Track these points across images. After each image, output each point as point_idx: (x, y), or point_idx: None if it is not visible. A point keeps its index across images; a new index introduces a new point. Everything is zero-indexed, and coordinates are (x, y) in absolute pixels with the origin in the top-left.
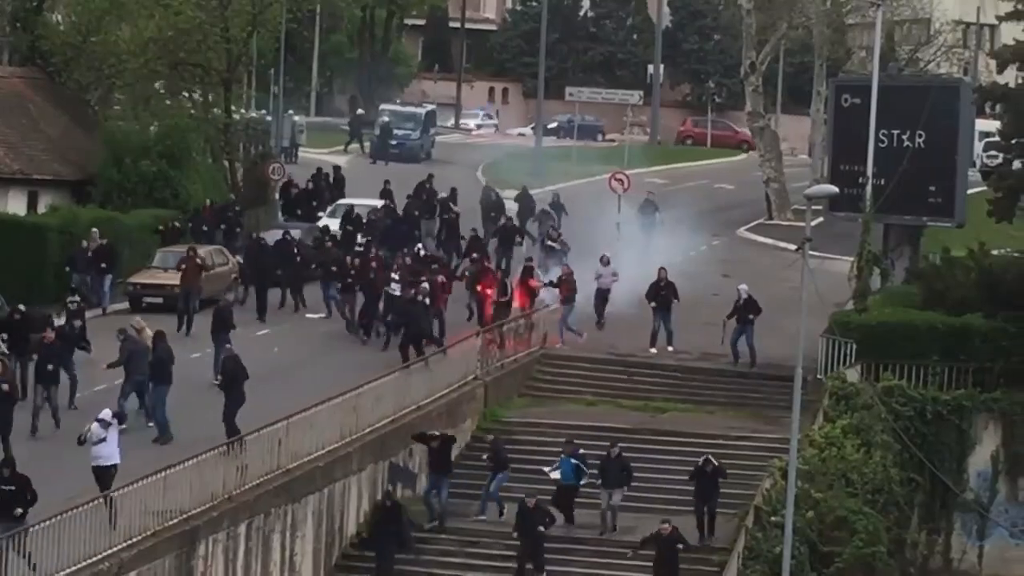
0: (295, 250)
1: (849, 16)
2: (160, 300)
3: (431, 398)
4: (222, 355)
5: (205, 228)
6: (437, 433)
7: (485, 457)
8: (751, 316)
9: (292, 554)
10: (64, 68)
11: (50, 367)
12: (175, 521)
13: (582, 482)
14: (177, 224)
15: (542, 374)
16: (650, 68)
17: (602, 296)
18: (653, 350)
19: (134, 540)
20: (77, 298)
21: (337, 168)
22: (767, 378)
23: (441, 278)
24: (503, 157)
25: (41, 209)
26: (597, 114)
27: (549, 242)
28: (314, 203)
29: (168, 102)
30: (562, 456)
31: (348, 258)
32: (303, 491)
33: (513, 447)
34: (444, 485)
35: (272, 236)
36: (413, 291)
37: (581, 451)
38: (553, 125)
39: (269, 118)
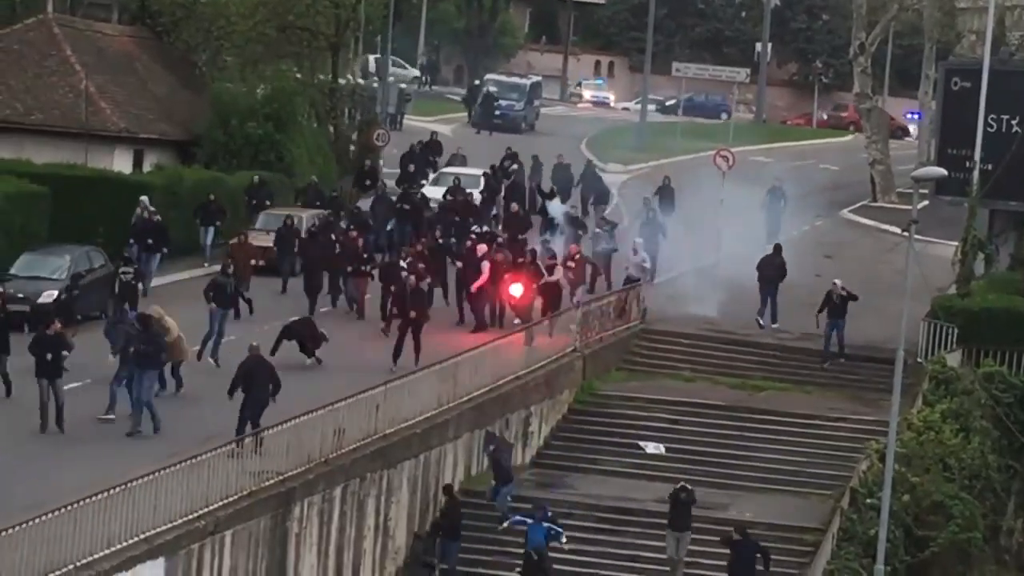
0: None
1: (961, 0)
2: (262, 263)
3: (529, 369)
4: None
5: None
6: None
7: (485, 468)
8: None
9: (387, 519)
10: (173, 28)
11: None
12: (271, 482)
13: (562, 541)
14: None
15: (640, 348)
16: (758, 46)
17: (628, 282)
18: (761, 321)
19: (230, 499)
20: (131, 269)
21: (433, 135)
22: (867, 360)
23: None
24: (607, 131)
25: (146, 168)
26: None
27: (598, 229)
28: (410, 168)
29: (283, 67)
30: (530, 522)
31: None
32: (399, 457)
33: (610, 420)
34: (452, 552)
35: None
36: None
37: (551, 513)
38: (671, 102)
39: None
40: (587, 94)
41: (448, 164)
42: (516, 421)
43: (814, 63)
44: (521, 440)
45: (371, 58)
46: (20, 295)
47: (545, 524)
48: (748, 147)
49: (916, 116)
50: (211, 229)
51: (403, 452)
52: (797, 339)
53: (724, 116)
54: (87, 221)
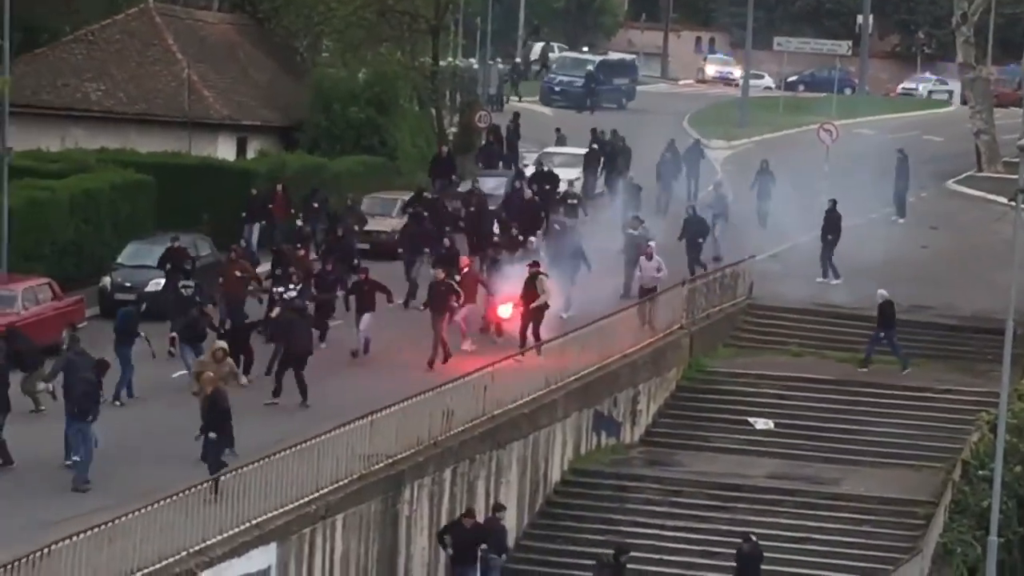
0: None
1: None
2: (367, 246)
3: (637, 347)
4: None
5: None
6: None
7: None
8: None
9: (497, 500)
10: (273, 15)
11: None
12: (381, 465)
13: None
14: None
15: (748, 324)
16: (859, 18)
17: (644, 293)
18: (823, 280)
19: (341, 483)
20: (192, 283)
21: (516, 116)
22: (975, 331)
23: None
24: (710, 107)
25: (250, 155)
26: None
27: (630, 229)
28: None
29: (382, 51)
30: None
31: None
32: (508, 438)
33: (718, 397)
34: None
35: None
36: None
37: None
38: (793, 78)
39: (476, 66)
40: (711, 70)
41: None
42: (624, 399)
43: (916, 34)
44: (629, 418)
45: (536, 45)
46: (127, 284)
47: None
48: (851, 120)
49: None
50: (256, 226)
51: (512, 433)
52: (905, 311)
53: (848, 91)
54: (192, 209)
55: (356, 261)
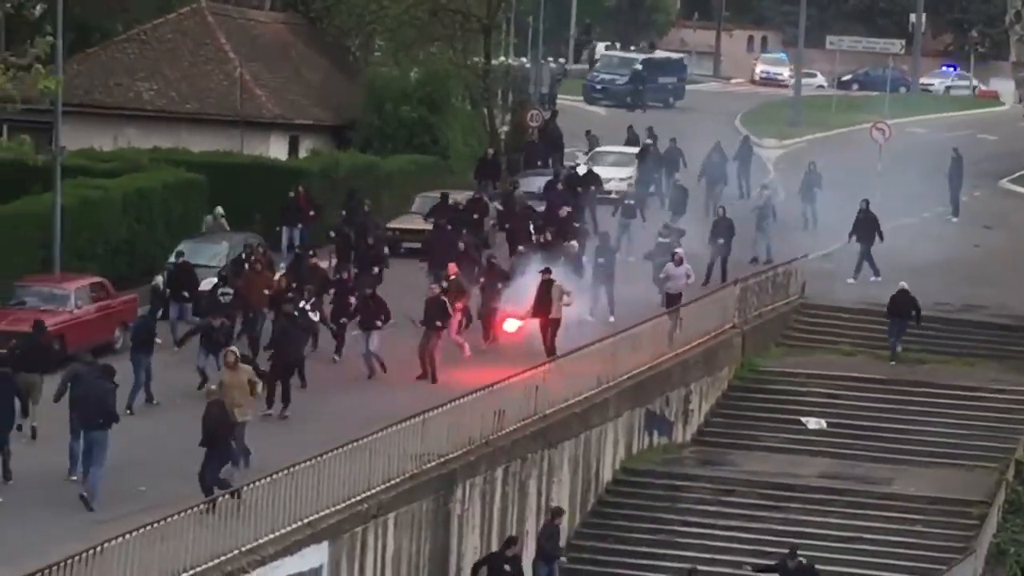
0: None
1: None
2: (419, 245)
3: (688, 346)
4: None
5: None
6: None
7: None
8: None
9: (548, 499)
10: (325, 14)
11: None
12: (433, 464)
13: None
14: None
15: (800, 323)
16: (912, 17)
17: (672, 301)
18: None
19: (393, 482)
20: (230, 290)
21: (554, 114)
22: None
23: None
24: (762, 106)
25: (302, 154)
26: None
27: (659, 238)
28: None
29: (433, 50)
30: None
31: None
32: (559, 437)
33: (770, 396)
34: None
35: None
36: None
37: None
38: (847, 77)
39: (528, 65)
40: (758, 70)
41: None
42: (676, 399)
43: (969, 33)
44: (681, 418)
45: (600, 45)
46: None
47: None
48: (904, 119)
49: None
50: (296, 231)
51: (563, 432)
52: (958, 311)
53: (903, 89)
54: (244, 208)
55: (379, 269)
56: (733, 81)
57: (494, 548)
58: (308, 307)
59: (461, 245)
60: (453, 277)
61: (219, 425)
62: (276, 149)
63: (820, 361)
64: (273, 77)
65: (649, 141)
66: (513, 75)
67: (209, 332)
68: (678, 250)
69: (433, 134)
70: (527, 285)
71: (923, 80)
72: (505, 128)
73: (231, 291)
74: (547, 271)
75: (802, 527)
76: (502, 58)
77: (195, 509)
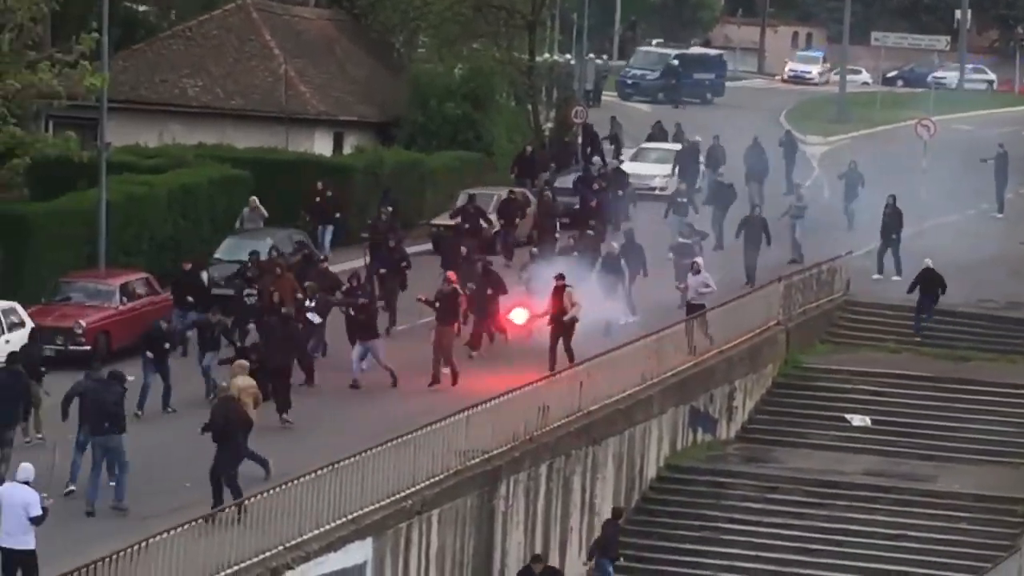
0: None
1: None
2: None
3: (732, 343)
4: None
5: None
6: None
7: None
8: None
9: (593, 496)
10: (370, 10)
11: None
12: (477, 461)
13: None
14: (329, 193)
15: (845, 320)
16: (957, 13)
17: (691, 310)
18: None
19: (437, 479)
20: (255, 291)
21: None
22: None
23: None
24: (807, 103)
25: (347, 150)
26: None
27: (680, 238)
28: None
29: (477, 46)
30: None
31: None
32: (604, 433)
33: (815, 393)
34: None
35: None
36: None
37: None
38: (893, 73)
39: (572, 62)
40: (787, 68)
41: (649, 138)
42: (720, 396)
43: (1015, 29)
44: (725, 415)
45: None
46: (224, 280)
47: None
48: (950, 115)
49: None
50: (328, 228)
51: (607, 429)
52: (1003, 308)
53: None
54: (288, 204)
55: (402, 265)
56: (777, 78)
57: (538, 545)
58: (311, 306)
59: (463, 250)
60: (452, 285)
61: (228, 421)
62: (321, 145)
63: (865, 358)
64: (318, 73)
65: (698, 139)
66: (557, 72)
67: (205, 328)
68: (698, 259)
69: (477, 131)
70: (542, 289)
71: (936, 74)
72: (549, 125)
73: (255, 292)
74: (561, 277)
75: (847, 524)
76: (547, 55)
77: (238, 505)
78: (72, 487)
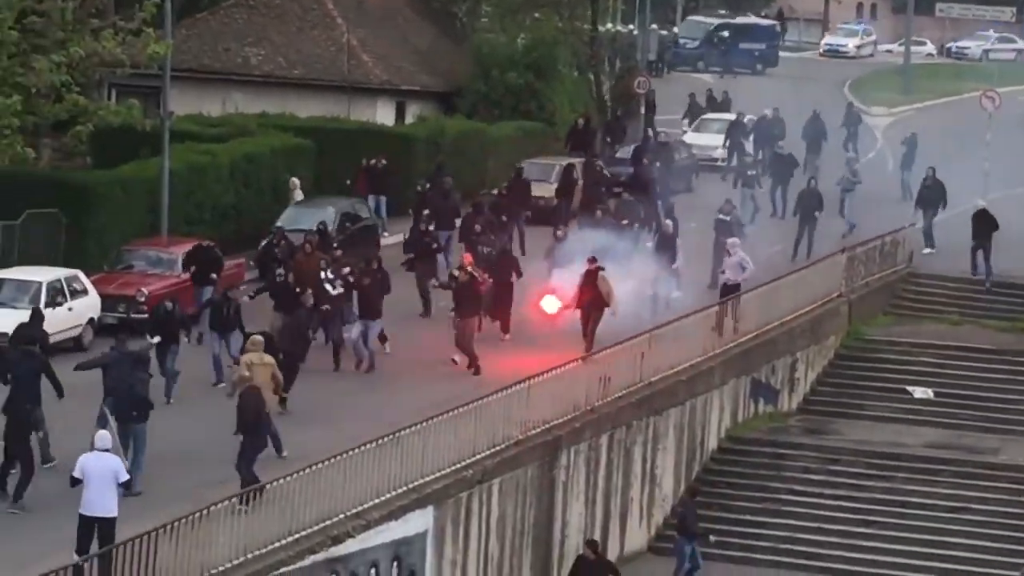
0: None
1: None
2: (528, 213)
3: (795, 314)
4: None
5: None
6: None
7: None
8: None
9: (653, 467)
10: None
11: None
12: (538, 431)
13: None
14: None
15: (907, 292)
16: None
17: (726, 292)
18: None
19: (498, 448)
20: (283, 271)
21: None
22: None
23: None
24: (872, 74)
25: (408, 120)
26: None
27: (720, 215)
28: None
29: (540, 16)
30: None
31: None
32: (665, 404)
33: (876, 365)
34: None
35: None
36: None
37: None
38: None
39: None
40: (824, 40)
41: (712, 110)
42: (782, 367)
43: None
44: (787, 386)
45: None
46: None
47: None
48: (1015, 87)
49: None
50: (382, 200)
51: (669, 400)
52: None
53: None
54: (350, 174)
55: (433, 248)
56: (852, 52)
57: (598, 516)
58: (329, 277)
59: (477, 227)
60: (467, 271)
61: (259, 414)
62: (383, 115)
63: (927, 330)
64: (380, 43)
65: (760, 114)
66: (620, 42)
67: (219, 308)
68: (734, 239)
69: (539, 100)
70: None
71: (960, 43)
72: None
73: (284, 273)
74: (594, 259)
75: (908, 496)
76: (609, 25)
77: (302, 472)
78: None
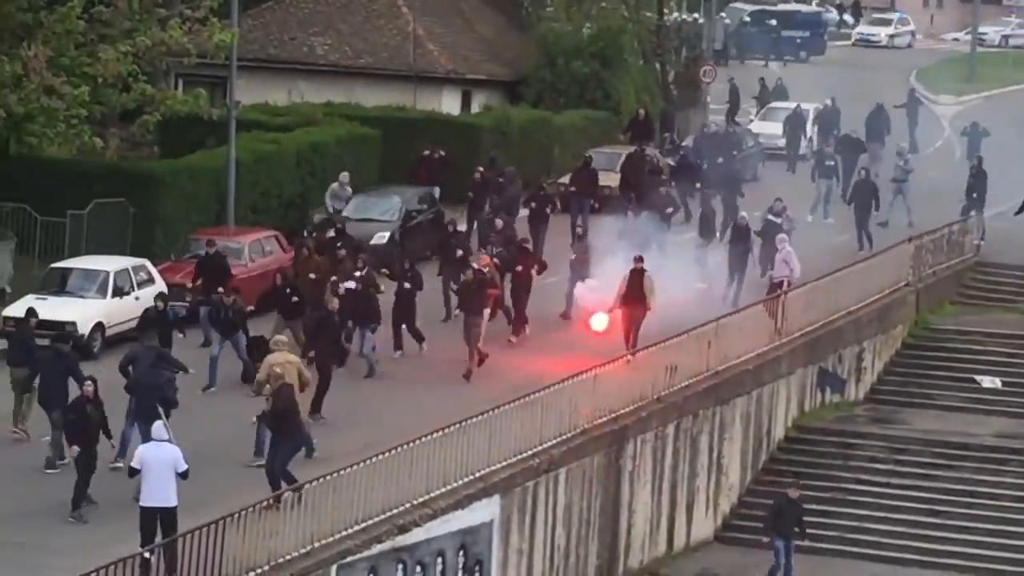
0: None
1: None
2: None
3: (862, 303)
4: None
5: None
6: None
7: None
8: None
9: (720, 456)
10: None
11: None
12: (604, 420)
13: None
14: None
15: (975, 281)
16: None
17: (773, 288)
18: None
19: (564, 437)
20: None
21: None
22: None
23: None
24: (938, 63)
25: (474, 109)
26: None
27: (770, 216)
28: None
29: (605, 4)
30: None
31: None
32: (732, 393)
33: (944, 355)
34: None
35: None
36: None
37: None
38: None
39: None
40: (857, 30)
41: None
42: (849, 356)
43: None
44: (854, 376)
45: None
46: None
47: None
48: None
49: None
50: (436, 190)
51: (735, 389)
52: None
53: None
54: (417, 163)
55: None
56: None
57: (664, 505)
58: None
59: (499, 223)
60: (481, 271)
61: (290, 412)
62: (449, 104)
63: (995, 320)
64: (446, 31)
65: (822, 104)
66: (686, 31)
67: (218, 310)
68: (781, 236)
69: (605, 89)
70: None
71: (980, 29)
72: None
73: (282, 277)
74: (639, 259)
75: (976, 486)
76: (675, 13)
77: (367, 461)
78: (119, 463)
